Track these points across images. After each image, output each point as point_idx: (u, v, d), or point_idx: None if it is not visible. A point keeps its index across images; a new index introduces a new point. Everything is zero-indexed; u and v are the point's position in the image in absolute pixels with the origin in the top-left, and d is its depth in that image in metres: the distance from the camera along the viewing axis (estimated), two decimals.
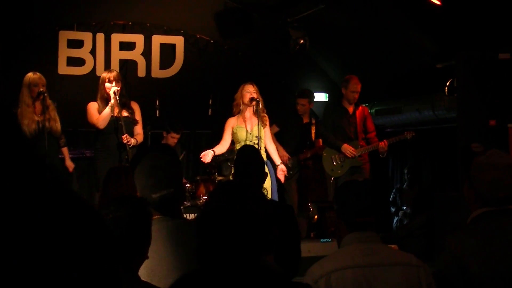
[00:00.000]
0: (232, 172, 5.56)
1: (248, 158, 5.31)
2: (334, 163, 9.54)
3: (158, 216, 3.44)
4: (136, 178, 3.61)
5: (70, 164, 8.98)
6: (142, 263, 3.08)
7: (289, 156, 9.88)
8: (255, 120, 8.50)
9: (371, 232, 3.42)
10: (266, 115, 8.53)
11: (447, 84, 8.98)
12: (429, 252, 8.86)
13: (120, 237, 2.93)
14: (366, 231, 3.40)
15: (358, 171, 9.49)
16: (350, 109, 9.56)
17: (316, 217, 10.37)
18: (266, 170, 8.32)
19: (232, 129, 8.57)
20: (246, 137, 8.51)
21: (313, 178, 10.42)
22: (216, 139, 10.05)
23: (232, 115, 8.67)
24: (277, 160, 8.71)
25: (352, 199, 3.46)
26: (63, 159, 8.94)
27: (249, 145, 7.35)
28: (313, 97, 10.38)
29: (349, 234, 3.42)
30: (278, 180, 9.19)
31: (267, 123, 8.64)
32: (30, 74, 8.49)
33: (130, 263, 2.99)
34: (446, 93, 9.06)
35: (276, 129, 10.03)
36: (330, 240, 7.89)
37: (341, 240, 3.49)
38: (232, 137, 8.69)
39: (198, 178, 9.91)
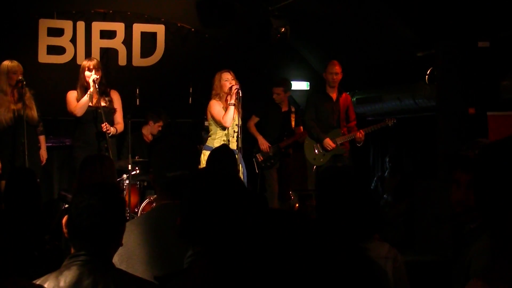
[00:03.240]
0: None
1: (220, 157, 5.36)
2: (316, 151, 9.55)
3: (167, 202, 3.44)
4: (153, 157, 3.63)
5: (44, 154, 8.87)
6: (116, 250, 3.07)
7: (270, 145, 9.89)
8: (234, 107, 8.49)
9: None
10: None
11: (428, 72, 9.01)
12: (409, 240, 8.91)
13: (93, 224, 2.92)
14: None
15: (340, 159, 9.51)
16: (334, 96, 9.56)
17: (297, 205, 10.40)
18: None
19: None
20: None
21: (294, 166, 10.45)
22: (197, 128, 10.06)
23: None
24: None
25: (334, 185, 3.43)
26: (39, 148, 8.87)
27: (219, 148, 7.29)
28: (290, 85, 10.36)
29: None
30: (254, 169, 9.23)
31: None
32: (7, 62, 8.42)
33: (104, 251, 2.98)
34: (427, 82, 9.08)
35: (256, 119, 10.03)
36: None
37: None
38: (211, 121, 8.64)
39: None
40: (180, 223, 2.72)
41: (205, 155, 8.12)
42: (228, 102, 8.38)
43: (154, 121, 10.12)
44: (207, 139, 8.72)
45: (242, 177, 8.46)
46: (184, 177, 3.44)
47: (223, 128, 8.46)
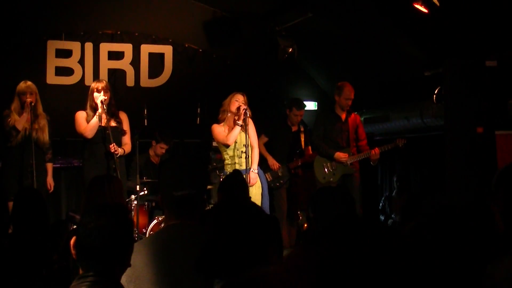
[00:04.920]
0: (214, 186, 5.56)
1: (233, 186, 5.36)
2: (326, 170, 9.53)
3: (175, 222, 3.44)
4: (161, 177, 3.62)
5: (51, 182, 8.85)
6: (124, 271, 3.07)
7: (279, 165, 9.87)
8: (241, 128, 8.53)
9: None
10: (250, 119, 8.58)
11: (436, 91, 8.99)
12: None
13: (102, 245, 2.92)
14: None
15: (349, 179, 9.48)
16: (343, 116, 9.55)
17: (305, 225, 10.37)
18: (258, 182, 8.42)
19: None
20: (234, 145, 8.53)
21: (303, 186, 10.41)
22: (205, 148, 10.06)
23: (217, 122, 8.71)
24: (254, 165, 8.70)
25: (329, 206, 3.44)
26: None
27: (233, 172, 7.26)
28: None
29: None
30: (269, 188, 9.22)
31: (252, 125, 8.65)
32: (21, 83, 8.56)
33: (113, 271, 2.98)
34: (435, 101, 9.06)
35: (265, 139, 10.01)
36: None
37: None
38: (219, 145, 8.75)
39: None
40: (200, 256, 2.68)
41: None
42: (236, 122, 8.44)
43: (156, 141, 10.11)
44: (220, 162, 8.81)
45: (260, 195, 8.54)
46: (191, 197, 3.44)
47: (228, 147, 8.52)
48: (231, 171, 8.12)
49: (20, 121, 8.41)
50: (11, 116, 8.45)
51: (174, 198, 3.41)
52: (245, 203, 2.90)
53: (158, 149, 10.10)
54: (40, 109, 8.60)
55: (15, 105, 8.52)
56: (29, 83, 8.56)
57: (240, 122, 8.44)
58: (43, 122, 8.59)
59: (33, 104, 8.40)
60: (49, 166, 8.88)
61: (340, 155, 9.40)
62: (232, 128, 8.52)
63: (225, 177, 6.42)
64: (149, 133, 9.86)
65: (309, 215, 3.69)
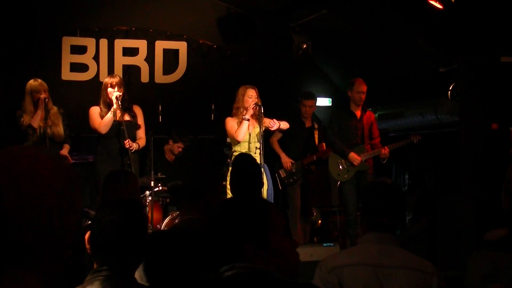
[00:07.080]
0: (228, 181, 5.42)
1: (244, 168, 5.31)
2: (340, 167, 9.49)
3: (188, 217, 3.45)
4: (175, 171, 3.68)
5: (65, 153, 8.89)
6: (138, 266, 3.08)
7: (293, 161, 9.86)
8: (254, 122, 8.50)
9: (389, 234, 3.49)
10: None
11: (450, 88, 8.97)
12: (433, 256, 8.85)
13: (115, 239, 2.93)
14: (384, 232, 3.47)
15: (363, 175, 9.45)
16: (358, 113, 9.51)
17: (319, 221, 10.37)
18: (264, 179, 8.29)
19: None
20: (248, 140, 8.51)
21: (317, 183, 10.40)
22: (219, 144, 10.07)
23: (231, 116, 8.69)
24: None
25: (374, 199, 3.51)
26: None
27: (245, 154, 7.30)
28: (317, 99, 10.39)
29: (368, 233, 3.51)
30: (277, 185, 9.19)
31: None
32: (31, 81, 8.58)
33: (126, 266, 2.99)
34: (449, 97, 9.04)
35: (279, 135, 10.00)
36: (333, 244, 7.85)
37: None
38: (231, 139, 8.70)
39: None
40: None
41: None
42: (242, 117, 8.42)
43: (174, 141, 10.12)
44: (231, 156, 8.72)
45: (265, 193, 8.45)
46: (187, 188, 3.46)
47: (238, 143, 8.49)
48: None
49: (35, 119, 8.46)
50: (25, 116, 8.51)
51: (170, 188, 3.46)
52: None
53: (175, 148, 10.11)
54: (51, 104, 8.65)
55: (26, 103, 8.56)
56: (39, 80, 8.61)
57: (246, 117, 8.41)
58: (55, 116, 8.63)
59: (47, 100, 8.44)
60: (65, 146, 8.96)
61: (353, 157, 9.34)
62: (240, 123, 8.49)
63: (236, 156, 6.20)
64: (163, 130, 9.89)
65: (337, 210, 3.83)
